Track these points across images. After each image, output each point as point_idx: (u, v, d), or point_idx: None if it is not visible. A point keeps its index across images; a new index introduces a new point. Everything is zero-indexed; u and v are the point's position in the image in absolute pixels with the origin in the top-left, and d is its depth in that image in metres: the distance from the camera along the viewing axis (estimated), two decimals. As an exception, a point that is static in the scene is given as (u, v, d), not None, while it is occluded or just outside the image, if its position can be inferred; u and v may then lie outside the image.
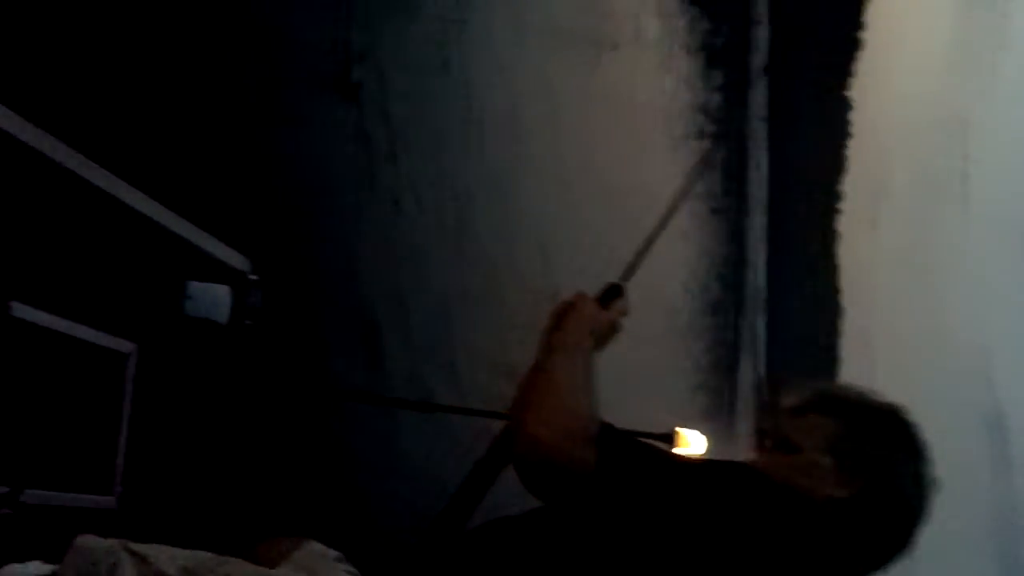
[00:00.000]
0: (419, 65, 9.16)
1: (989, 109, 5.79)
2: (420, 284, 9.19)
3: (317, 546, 2.95)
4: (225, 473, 4.83)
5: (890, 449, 2.45)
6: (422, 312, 9.15)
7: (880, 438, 2.45)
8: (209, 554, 2.60)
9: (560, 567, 2.32)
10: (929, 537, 2.45)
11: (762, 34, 6.33)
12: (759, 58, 6.30)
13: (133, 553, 2.53)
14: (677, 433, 3.00)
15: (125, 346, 4.10)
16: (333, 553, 2.92)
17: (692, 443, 2.99)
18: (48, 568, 2.73)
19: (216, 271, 4.57)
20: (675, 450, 2.97)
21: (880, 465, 2.41)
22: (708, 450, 3.01)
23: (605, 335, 2.72)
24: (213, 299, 4.50)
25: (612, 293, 2.82)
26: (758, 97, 6.43)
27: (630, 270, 2.96)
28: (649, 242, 3.07)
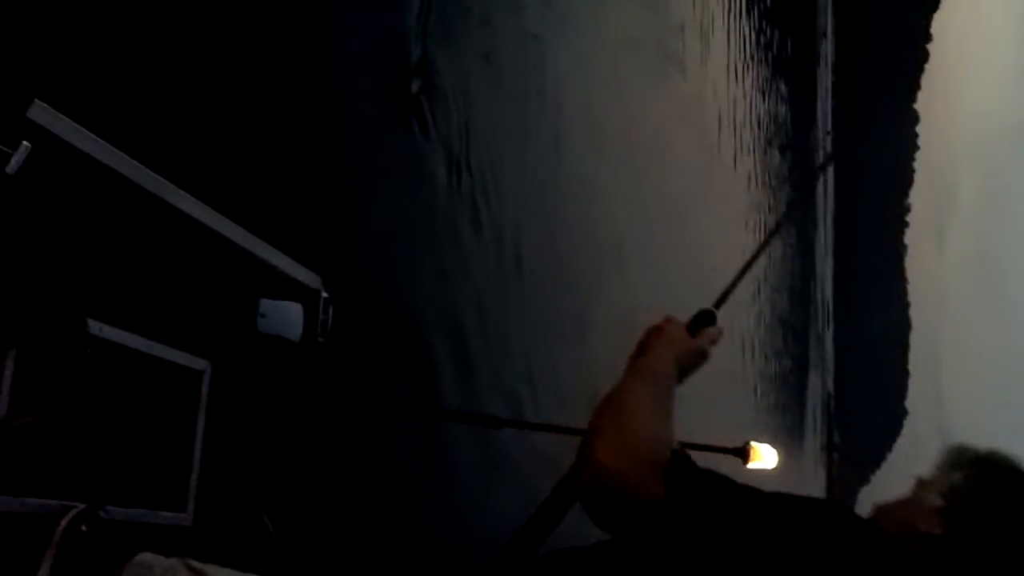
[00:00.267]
0: (489, 83, 9.26)
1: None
2: (495, 303, 9.26)
3: (147, 556, 2.92)
4: (297, 490, 4.87)
5: (1005, 494, 2.37)
6: (497, 329, 9.22)
7: (998, 485, 2.39)
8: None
9: None
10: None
11: (828, 48, 6.28)
12: (826, 72, 6.26)
13: (192, 569, 2.56)
14: (750, 447, 2.97)
15: (199, 363, 4.15)
16: (165, 561, 2.88)
17: (765, 457, 2.96)
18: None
19: (289, 289, 4.61)
20: (749, 464, 2.95)
21: (988, 506, 2.35)
22: (779, 463, 2.99)
23: (692, 363, 2.63)
24: (286, 317, 4.54)
25: (703, 319, 2.72)
26: (824, 111, 6.38)
27: (723, 297, 2.87)
28: (743, 271, 3.04)
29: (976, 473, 2.39)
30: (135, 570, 2.55)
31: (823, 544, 2.18)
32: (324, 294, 4.79)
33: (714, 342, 2.70)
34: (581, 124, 12.27)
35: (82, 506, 3.38)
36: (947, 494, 2.37)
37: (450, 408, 7.59)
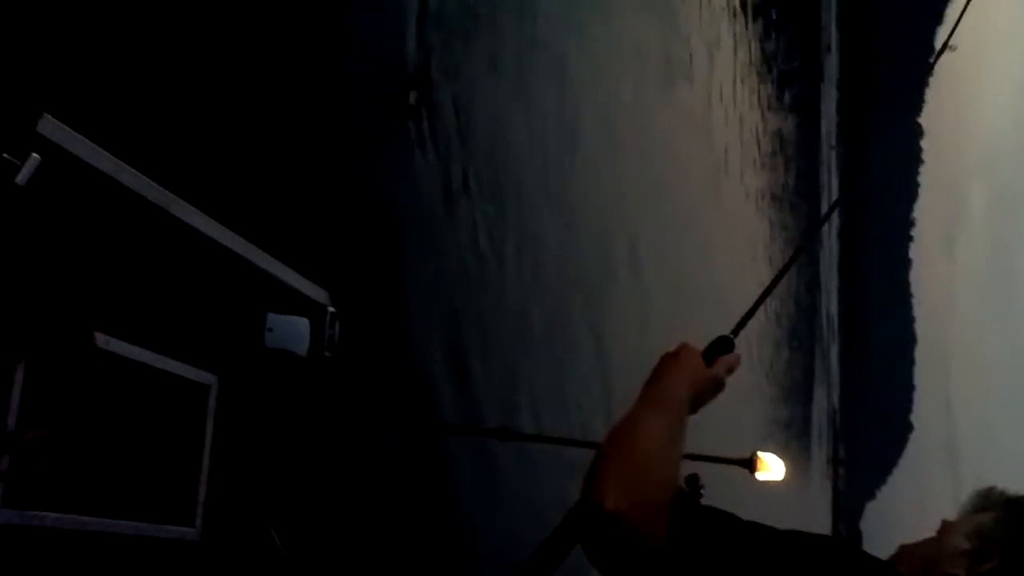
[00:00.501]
0: (493, 94, 9.27)
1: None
2: (501, 315, 9.26)
3: None
4: (304, 504, 4.87)
5: None
6: (504, 343, 9.22)
7: None
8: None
9: None
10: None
11: (832, 62, 6.30)
12: (830, 86, 6.28)
13: None
14: (757, 457, 2.97)
15: (207, 377, 4.16)
16: None
17: (772, 467, 2.97)
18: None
19: (296, 304, 4.61)
20: (757, 474, 2.95)
21: (1016, 550, 2.32)
22: (786, 474, 2.99)
23: (706, 392, 2.55)
24: (293, 331, 4.55)
25: (720, 346, 2.64)
26: (829, 124, 6.40)
27: (740, 324, 2.79)
28: (760, 300, 2.98)
29: (1004, 516, 2.37)
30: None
31: None
32: (331, 309, 4.79)
33: (731, 371, 2.62)
34: (590, 134, 12.29)
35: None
36: (973, 536, 2.34)
37: (452, 422, 7.59)
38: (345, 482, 5.39)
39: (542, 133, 10.75)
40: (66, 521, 3.36)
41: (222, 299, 4.27)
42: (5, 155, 2.98)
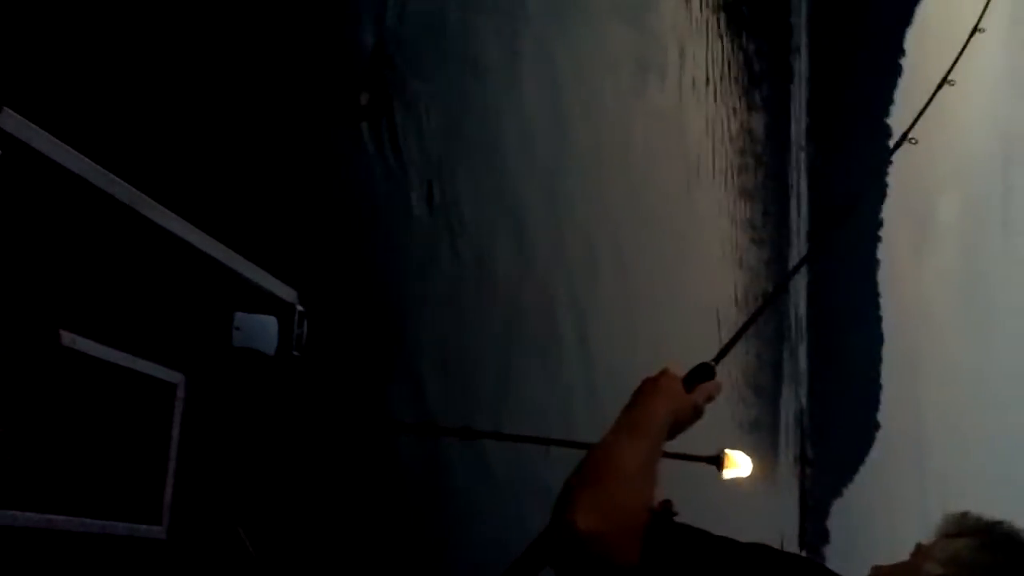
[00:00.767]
0: (459, 97, 9.25)
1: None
2: (464, 318, 9.26)
3: None
4: (272, 504, 4.86)
5: (1008, 565, 2.30)
6: (467, 343, 9.22)
7: (1001, 555, 2.31)
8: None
9: None
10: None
11: (802, 64, 6.33)
12: (799, 86, 6.31)
13: None
14: (725, 455, 2.98)
15: (174, 376, 4.14)
16: None
17: (739, 464, 2.98)
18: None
19: (264, 302, 4.60)
20: (724, 471, 2.96)
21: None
22: (753, 471, 3.00)
23: (685, 419, 2.56)
24: (261, 330, 4.53)
25: (701, 373, 2.65)
26: (799, 125, 6.42)
27: (722, 353, 2.81)
28: (743, 329, 3.01)
29: (979, 544, 2.33)
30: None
31: None
32: (299, 308, 4.79)
33: (711, 398, 2.64)
34: (562, 135, 12.30)
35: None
36: (948, 563, 2.30)
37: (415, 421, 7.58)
38: (313, 481, 5.38)
39: (525, 134, 10.75)
40: (32, 519, 3.34)
41: (189, 297, 4.25)
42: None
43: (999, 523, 2.35)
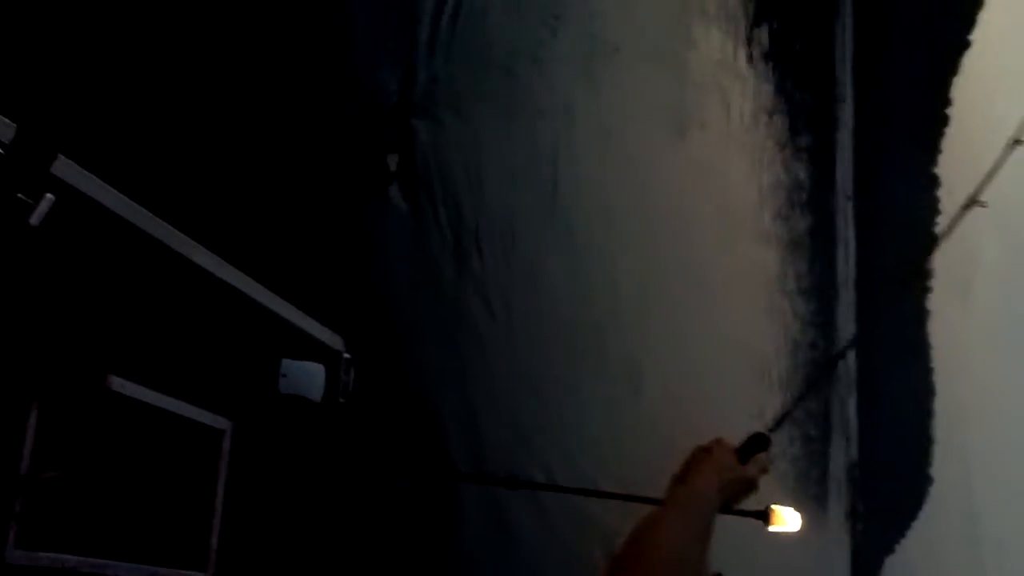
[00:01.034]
0: (499, 151, 9.28)
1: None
2: (512, 367, 9.23)
3: None
4: (318, 551, 4.85)
5: None
6: (514, 395, 9.19)
7: None
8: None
9: None
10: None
11: (847, 112, 6.31)
12: (845, 135, 6.29)
13: None
14: (772, 510, 2.93)
15: (221, 422, 4.15)
16: None
17: (787, 520, 2.92)
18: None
19: (311, 349, 4.61)
20: (771, 527, 2.91)
21: None
22: (802, 526, 2.95)
23: (738, 492, 2.51)
24: (307, 377, 4.54)
25: (756, 444, 2.59)
26: (845, 175, 6.39)
27: (778, 423, 2.75)
28: (799, 399, 3.02)
29: None
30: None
31: None
32: (346, 355, 4.79)
33: (764, 470, 2.56)
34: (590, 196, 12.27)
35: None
36: None
37: (464, 470, 7.57)
38: (358, 528, 5.37)
39: (546, 183, 10.72)
40: (79, 564, 3.35)
41: (237, 344, 4.27)
42: (19, 195, 3.00)
43: None
